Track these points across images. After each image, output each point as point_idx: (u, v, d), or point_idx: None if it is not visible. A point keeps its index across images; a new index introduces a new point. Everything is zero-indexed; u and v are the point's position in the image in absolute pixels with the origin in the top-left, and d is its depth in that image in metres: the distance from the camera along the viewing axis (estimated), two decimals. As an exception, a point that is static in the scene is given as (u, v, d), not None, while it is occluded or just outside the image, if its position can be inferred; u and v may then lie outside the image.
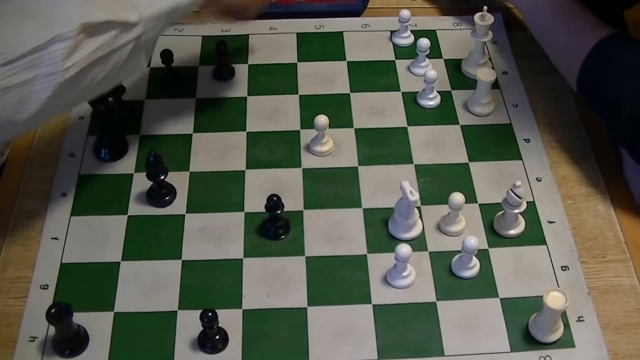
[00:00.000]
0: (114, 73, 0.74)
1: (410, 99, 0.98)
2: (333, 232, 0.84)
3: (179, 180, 0.88)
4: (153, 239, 0.83)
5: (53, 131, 0.94)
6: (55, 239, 0.83)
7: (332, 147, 0.92)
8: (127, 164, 0.90)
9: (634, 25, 1.23)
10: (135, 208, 0.86)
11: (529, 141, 0.94)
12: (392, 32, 1.07)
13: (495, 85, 0.98)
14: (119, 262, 0.81)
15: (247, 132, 0.94)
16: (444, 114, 0.97)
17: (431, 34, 1.06)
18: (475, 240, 0.78)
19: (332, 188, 0.88)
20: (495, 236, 0.84)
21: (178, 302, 0.78)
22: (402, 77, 1.01)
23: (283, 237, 0.83)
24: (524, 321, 0.76)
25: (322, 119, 0.89)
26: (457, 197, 0.82)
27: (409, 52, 1.04)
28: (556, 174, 0.90)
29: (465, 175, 0.90)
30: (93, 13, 0.70)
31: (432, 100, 0.97)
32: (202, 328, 0.73)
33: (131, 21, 0.73)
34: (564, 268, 0.81)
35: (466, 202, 0.82)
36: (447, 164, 0.91)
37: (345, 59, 1.04)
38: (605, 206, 0.87)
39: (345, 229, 0.84)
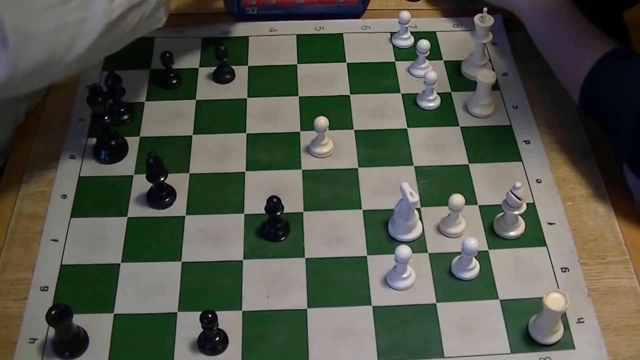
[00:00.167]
0: (140, 24, 0.81)
1: (410, 101, 0.98)
2: (333, 233, 0.84)
3: (178, 181, 0.88)
4: (153, 241, 0.83)
5: (53, 133, 0.94)
6: (55, 240, 0.83)
7: (332, 149, 0.92)
8: (127, 166, 0.90)
9: (634, 26, 1.23)
10: (135, 210, 0.86)
11: (529, 143, 0.93)
12: (392, 33, 1.07)
13: (495, 86, 0.98)
14: (119, 264, 0.81)
15: (247, 134, 0.94)
16: (444, 115, 0.97)
17: (431, 36, 1.06)
18: (475, 241, 0.78)
19: (332, 189, 0.88)
20: (495, 238, 0.84)
21: (178, 303, 0.78)
22: (402, 79, 1.01)
23: (283, 238, 0.83)
24: (524, 323, 0.76)
25: (322, 121, 0.89)
26: (457, 199, 0.82)
27: (409, 54, 1.04)
28: (556, 176, 0.90)
29: (465, 177, 0.90)
30: None
31: (432, 102, 0.97)
32: (202, 330, 0.73)
33: None
34: (564, 269, 0.81)
35: (466, 203, 0.82)
36: (447, 165, 0.91)
37: (345, 61, 1.04)
38: (605, 208, 0.87)
39: (345, 231, 0.84)
